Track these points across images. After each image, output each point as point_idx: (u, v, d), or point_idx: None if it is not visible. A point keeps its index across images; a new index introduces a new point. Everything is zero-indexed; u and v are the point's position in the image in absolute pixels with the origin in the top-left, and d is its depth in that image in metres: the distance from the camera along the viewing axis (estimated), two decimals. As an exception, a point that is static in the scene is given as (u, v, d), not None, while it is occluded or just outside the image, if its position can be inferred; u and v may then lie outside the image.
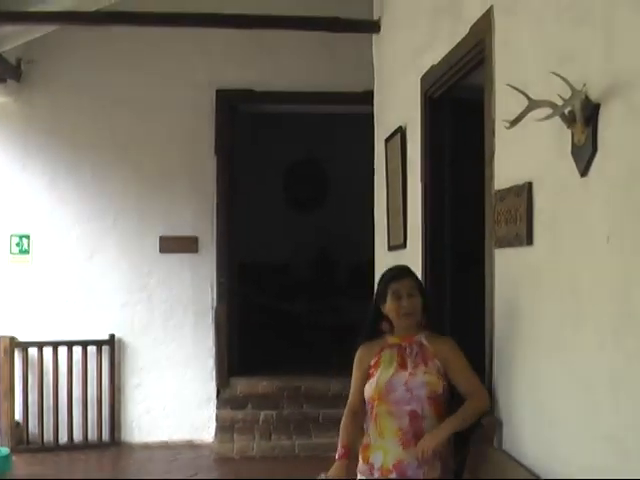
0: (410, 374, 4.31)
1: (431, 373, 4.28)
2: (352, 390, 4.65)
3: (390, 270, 4.68)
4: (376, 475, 4.37)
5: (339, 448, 4.55)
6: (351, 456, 4.50)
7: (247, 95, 9.65)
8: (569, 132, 3.23)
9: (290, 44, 9.42)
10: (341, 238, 13.24)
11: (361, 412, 4.54)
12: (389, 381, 4.36)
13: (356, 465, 4.48)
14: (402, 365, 4.36)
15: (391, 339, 4.49)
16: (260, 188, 13.83)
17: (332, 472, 4.46)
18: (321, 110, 10.60)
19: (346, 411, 4.65)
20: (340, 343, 11.39)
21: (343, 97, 9.54)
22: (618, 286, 2.91)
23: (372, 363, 4.51)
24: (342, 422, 4.64)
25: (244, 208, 11.37)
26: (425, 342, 4.37)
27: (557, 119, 3.23)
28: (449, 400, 4.31)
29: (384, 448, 4.34)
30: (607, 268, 2.99)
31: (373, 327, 4.57)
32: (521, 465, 3.72)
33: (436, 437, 4.17)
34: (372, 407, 4.43)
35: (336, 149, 13.60)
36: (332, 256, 14.24)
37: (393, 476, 4.29)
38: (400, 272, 4.55)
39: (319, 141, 13.82)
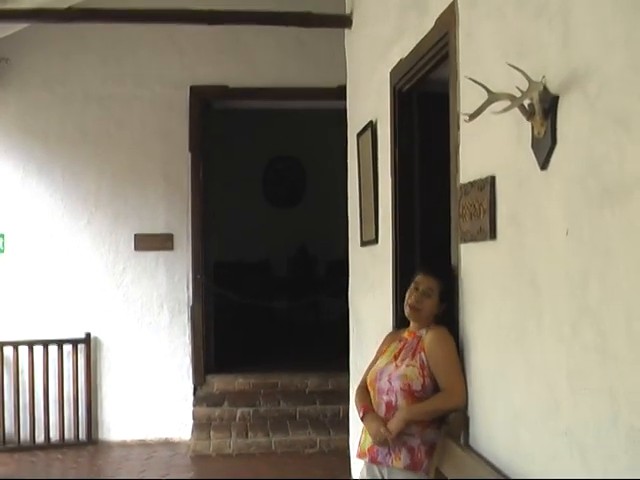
0: (396, 366, 4.36)
1: (413, 366, 4.27)
2: (365, 370, 4.75)
3: (430, 263, 4.76)
4: (356, 455, 4.63)
5: (358, 410, 4.59)
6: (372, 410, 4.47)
7: (221, 91, 9.64)
8: (529, 125, 3.21)
9: (264, 40, 9.42)
10: (320, 234, 13.22)
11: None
12: (380, 370, 4.45)
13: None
14: (396, 357, 4.43)
15: (405, 332, 4.54)
16: (238, 185, 13.82)
17: (368, 426, 4.41)
18: (297, 106, 10.58)
19: (357, 387, 4.77)
20: (318, 339, 11.50)
21: (318, 93, 9.53)
22: (576, 279, 2.89)
23: (383, 349, 4.65)
24: (355, 396, 4.76)
25: (222, 205, 11.37)
26: (423, 336, 4.36)
27: (518, 112, 3.20)
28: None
29: (366, 432, 4.45)
30: (566, 261, 2.96)
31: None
32: (485, 462, 3.69)
33: (393, 422, 4.22)
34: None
35: (314, 145, 13.58)
36: (311, 253, 14.24)
37: (366, 459, 4.44)
38: (432, 270, 4.49)
39: (297, 137, 13.82)
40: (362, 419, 4.51)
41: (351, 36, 7.50)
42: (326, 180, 12.99)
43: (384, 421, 4.29)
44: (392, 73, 5.68)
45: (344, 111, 7.74)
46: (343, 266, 7.85)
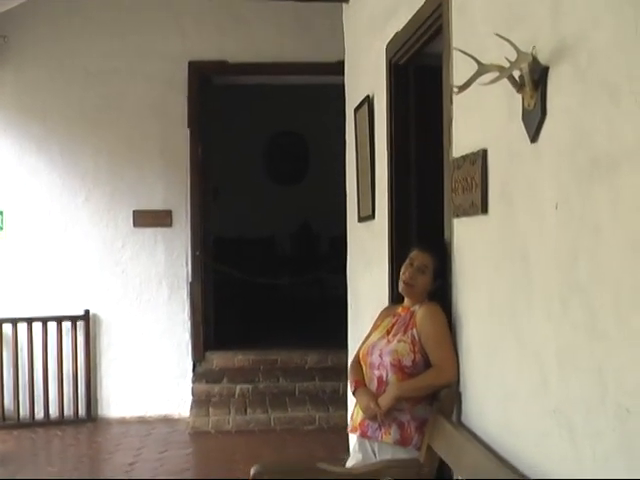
0: (388, 341, 4.34)
1: (405, 342, 4.24)
2: (359, 345, 4.74)
3: (425, 241, 4.73)
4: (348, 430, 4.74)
5: (350, 385, 4.62)
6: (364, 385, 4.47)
7: (220, 67, 9.56)
8: (520, 97, 3.15)
9: (263, 15, 9.36)
10: (323, 211, 13.15)
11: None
12: (372, 345, 4.44)
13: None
14: (388, 332, 4.41)
15: (399, 308, 4.52)
16: (240, 161, 13.77)
17: (359, 400, 4.41)
18: (297, 81, 10.50)
19: (350, 362, 4.81)
20: (320, 315, 11.46)
21: (317, 68, 9.46)
22: (566, 255, 2.83)
23: (377, 324, 4.64)
24: (348, 371, 4.78)
25: (224, 181, 11.32)
26: (416, 311, 4.33)
27: (509, 84, 3.14)
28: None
29: (360, 405, 4.42)
30: (555, 236, 2.91)
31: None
32: (476, 439, 3.66)
33: (384, 398, 4.21)
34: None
35: (316, 121, 13.50)
36: (314, 229, 14.20)
37: (357, 434, 4.44)
38: (428, 247, 4.45)
39: (298, 113, 13.75)
40: (353, 394, 4.51)
41: (349, 10, 7.44)
42: (329, 156, 12.90)
43: (375, 396, 4.28)
44: (388, 47, 5.62)
45: (344, 86, 7.68)
46: (346, 242, 7.82)
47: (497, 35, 3.09)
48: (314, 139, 14.29)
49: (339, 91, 7.90)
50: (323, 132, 13.12)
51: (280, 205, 13.94)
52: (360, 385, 4.46)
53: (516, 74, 3.08)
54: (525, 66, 3.00)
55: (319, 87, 10.65)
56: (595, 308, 2.63)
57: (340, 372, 8.25)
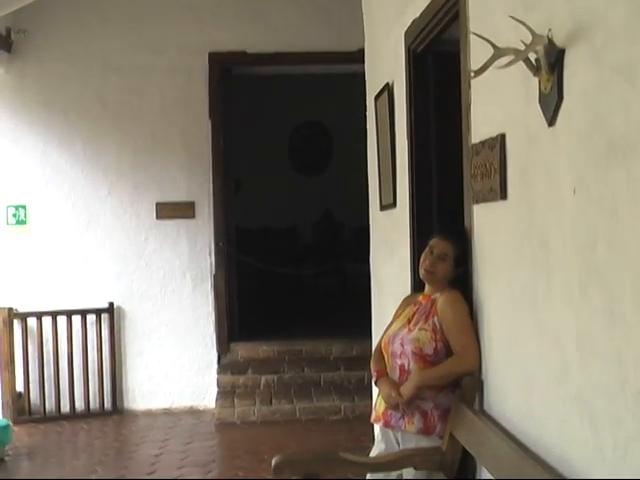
0: (409, 330, 4.33)
1: (426, 330, 4.23)
2: (382, 334, 4.71)
3: (446, 227, 4.74)
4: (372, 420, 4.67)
5: (373, 374, 4.59)
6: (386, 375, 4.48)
7: (240, 57, 9.57)
8: (537, 80, 3.12)
9: (282, 4, 9.39)
10: (346, 200, 13.12)
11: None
12: (393, 334, 4.43)
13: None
14: (409, 321, 4.39)
15: (420, 296, 4.51)
16: (264, 151, 13.76)
17: (381, 390, 4.41)
18: (316, 70, 10.48)
19: (374, 350, 4.78)
20: (344, 305, 11.45)
21: (337, 57, 9.45)
22: (585, 239, 2.79)
23: (398, 313, 4.63)
24: (371, 360, 4.72)
25: (247, 172, 11.31)
26: (437, 299, 4.31)
27: (526, 68, 3.10)
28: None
29: (382, 395, 4.40)
30: (574, 220, 2.87)
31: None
32: (498, 427, 3.63)
33: (406, 387, 4.19)
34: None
35: (339, 110, 13.47)
36: (337, 219, 14.18)
37: (381, 424, 4.44)
38: (448, 235, 4.42)
39: (321, 102, 13.73)
40: (375, 383, 4.51)
41: (368, -2, 7.40)
42: (351, 145, 12.88)
43: (397, 385, 4.26)
44: (406, 34, 5.59)
45: (365, 74, 7.65)
46: (369, 232, 7.80)
47: (512, 18, 3.05)
48: (336, 128, 14.26)
49: (360, 79, 7.88)
50: (345, 121, 13.08)
51: (303, 195, 13.94)
52: (382, 375, 4.45)
53: (532, 57, 3.05)
54: (541, 49, 2.96)
55: (340, 76, 10.64)
56: (614, 293, 2.59)
57: (365, 362, 8.14)
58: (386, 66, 6.51)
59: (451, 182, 5.17)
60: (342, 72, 10.29)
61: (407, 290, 5.46)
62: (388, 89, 6.24)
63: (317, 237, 14.36)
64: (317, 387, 9.11)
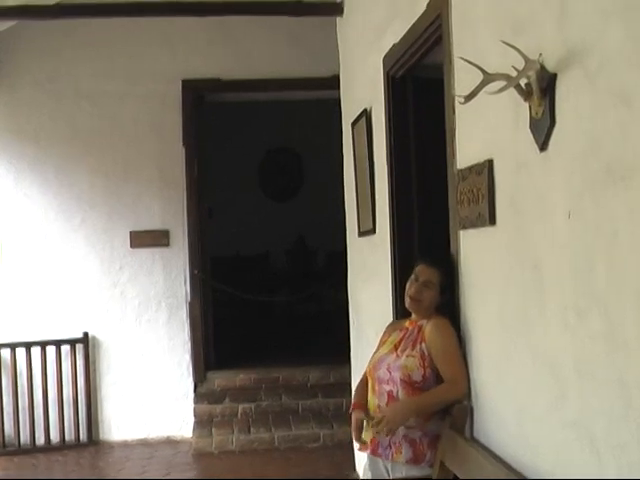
0: (396, 356, 4.29)
1: (414, 357, 4.19)
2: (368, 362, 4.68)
3: (431, 253, 4.64)
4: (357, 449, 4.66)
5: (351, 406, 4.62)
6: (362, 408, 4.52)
7: (214, 84, 9.51)
8: (527, 105, 3.11)
9: (256, 31, 9.31)
10: (318, 226, 13.11)
11: None
12: (379, 359, 4.39)
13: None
14: (396, 347, 4.35)
15: (406, 322, 4.46)
16: (236, 178, 13.74)
17: (353, 423, 4.46)
18: (291, 97, 10.46)
19: (360, 378, 4.72)
20: (319, 331, 11.40)
21: (312, 83, 9.41)
22: (581, 263, 2.78)
23: (384, 340, 4.58)
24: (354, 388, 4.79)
25: (219, 199, 11.27)
26: (424, 325, 4.27)
27: (515, 92, 3.10)
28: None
29: (367, 423, 4.37)
30: (569, 245, 2.86)
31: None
32: (491, 455, 3.60)
33: (396, 413, 4.11)
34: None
35: (310, 136, 13.47)
36: (310, 244, 14.15)
37: (368, 452, 4.39)
38: (434, 261, 4.37)
39: (293, 129, 13.73)
40: (350, 414, 4.52)
41: (343, 24, 7.41)
42: (323, 171, 12.87)
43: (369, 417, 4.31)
44: (385, 59, 5.59)
45: (339, 100, 7.65)
46: (342, 257, 7.79)
47: (504, 43, 3.04)
48: (308, 154, 14.25)
49: (333, 105, 7.89)
50: (317, 147, 13.09)
51: (275, 221, 13.89)
52: (357, 407, 4.48)
53: (522, 82, 3.04)
54: (533, 74, 2.95)
55: (313, 102, 10.63)
56: (614, 317, 2.58)
57: (343, 388, 8.20)
58: (363, 92, 6.50)
59: (432, 208, 5.18)
60: (314, 98, 10.28)
61: (388, 316, 5.45)
62: (366, 115, 6.24)
63: (290, 263, 14.31)
64: (295, 415, 9.04)
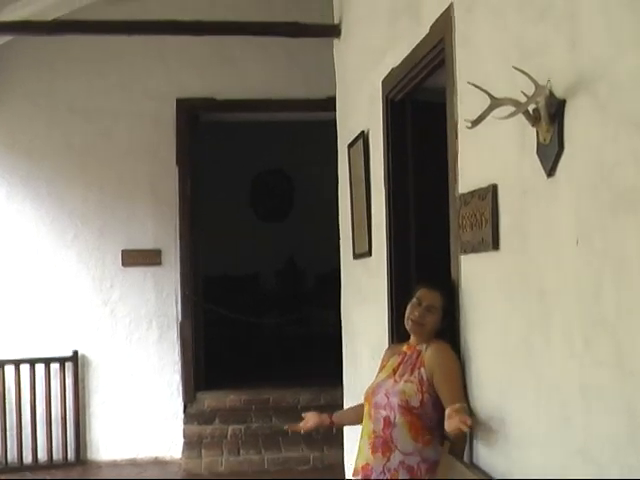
0: (395, 381, 4.25)
1: (412, 382, 4.15)
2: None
3: (433, 277, 4.54)
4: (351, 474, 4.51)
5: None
6: (334, 420, 5.06)
7: (208, 104, 9.53)
8: (534, 131, 3.10)
9: (251, 51, 9.33)
10: (308, 247, 13.11)
11: None
12: (377, 385, 4.36)
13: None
14: (395, 372, 4.32)
15: (404, 346, 4.41)
16: (227, 198, 13.71)
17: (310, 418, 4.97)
18: (285, 118, 10.47)
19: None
20: (309, 353, 11.37)
21: (306, 104, 9.44)
22: (588, 290, 2.77)
23: (383, 365, 4.55)
24: None
25: (210, 219, 11.23)
26: (423, 351, 4.23)
27: (521, 118, 3.09)
28: (431, 415, 4.10)
29: (360, 448, 4.37)
30: (577, 272, 2.85)
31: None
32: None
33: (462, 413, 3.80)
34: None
35: (303, 157, 13.47)
36: (299, 266, 14.13)
37: (359, 477, 4.31)
38: (436, 284, 4.33)
39: (286, 150, 13.73)
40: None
41: (340, 46, 7.40)
42: (314, 192, 12.89)
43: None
44: (384, 82, 5.58)
45: (333, 122, 7.64)
46: (332, 279, 7.77)
47: (515, 68, 3.03)
48: (299, 175, 14.25)
49: (326, 127, 7.89)
50: (308, 168, 13.12)
51: (265, 242, 13.86)
52: (330, 417, 5.01)
53: (530, 107, 3.03)
54: (541, 99, 2.94)
55: (306, 123, 10.65)
56: (622, 344, 2.57)
57: (333, 411, 8.10)
58: (360, 114, 6.50)
59: (430, 232, 5.17)
60: (308, 119, 10.30)
61: (384, 339, 5.42)
62: (363, 137, 6.22)
63: (280, 284, 14.28)
64: (285, 437, 8.98)
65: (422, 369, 4.14)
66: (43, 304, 9.34)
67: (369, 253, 6.13)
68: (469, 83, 3.46)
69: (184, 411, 9.39)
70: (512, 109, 3.05)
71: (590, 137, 2.76)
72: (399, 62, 5.17)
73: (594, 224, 2.73)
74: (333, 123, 7.61)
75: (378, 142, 5.77)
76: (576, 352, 2.86)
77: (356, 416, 4.67)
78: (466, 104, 3.94)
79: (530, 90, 2.97)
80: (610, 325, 2.63)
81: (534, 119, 3.04)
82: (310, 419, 4.99)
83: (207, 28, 7.34)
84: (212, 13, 6.95)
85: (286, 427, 5.42)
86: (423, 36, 4.65)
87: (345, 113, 7.24)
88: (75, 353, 9.27)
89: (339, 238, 7.45)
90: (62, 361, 9.22)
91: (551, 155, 3.00)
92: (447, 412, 3.82)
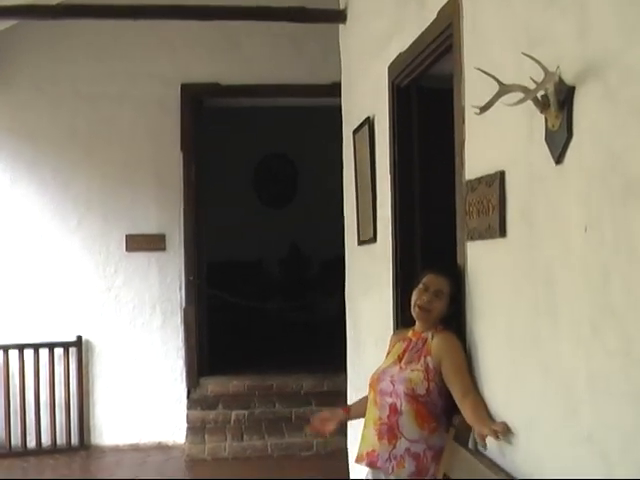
0: (400, 368, 4.24)
1: (418, 370, 4.14)
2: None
3: (439, 263, 4.52)
4: (354, 460, 4.56)
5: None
6: (350, 414, 4.92)
7: (213, 89, 9.51)
8: (542, 117, 3.08)
9: (256, 36, 9.30)
10: (313, 233, 13.09)
11: None
12: (383, 371, 4.35)
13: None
14: (400, 359, 4.30)
15: (409, 332, 4.39)
16: (231, 183, 13.69)
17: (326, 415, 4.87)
18: (290, 103, 10.45)
19: None
20: (313, 339, 11.38)
21: (311, 90, 9.43)
22: (597, 278, 2.76)
23: (388, 351, 4.55)
24: None
25: (214, 204, 11.23)
26: (429, 339, 4.22)
27: (529, 104, 3.07)
28: (437, 402, 4.11)
29: (364, 435, 4.36)
30: (585, 259, 2.84)
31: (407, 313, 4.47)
32: (497, 467, 3.56)
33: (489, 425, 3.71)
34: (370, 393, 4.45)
35: (307, 143, 13.46)
36: (304, 252, 14.12)
37: (364, 464, 4.33)
38: (443, 269, 4.31)
39: (290, 135, 13.70)
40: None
41: (346, 31, 7.37)
42: (318, 178, 12.87)
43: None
44: (390, 68, 5.55)
45: (337, 108, 7.61)
46: (336, 265, 7.76)
47: (524, 54, 3.01)
48: (303, 161, 14.23)
49: (331, 113, 7.86)
50: (313, 154, 13.09)
51: (269, 228, 13.84)
52: (346, 411, 4.91)
53: (539, 94, 3.01)
54: (550, 86, 2.93)
55: (311, 109, 10.62)
56: (630, 332, 2.56)
57: (337, 397, 8.15)
58: (366, 100, 6.47)
59: (436, 218, 5.16)
60: (313, 105, 10.28)
61: (389, 326, 5.41)
62: (369, 123, 6.20)
63: (284, 270, 14.27)
64: (288, 423, 9.01)
65: (428, 357, 4.13)
66: (47, 289, 9.35)
67: (374, 239, 6.11)
68: (477, 69, 3.44)
69: (187, 396, 9.40)
70: (521, 95, 3.03)
71: (599, 124, 2.75)
72: (406, 48, 5.15)
73: (603, 212, 2.71)
74: (338, 109, 7.58)
75: (384, 128, 5.74)
76: (583, 341, 2.85)
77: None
78: (474, 90, 3.93)
79: (539, 77, 2.95)
80: (618, 314, 2.62)
81: (543, 105, 3.02)
82: (328, 421, 4.84)
83: (213, 13, 7.31)
84: (217, -2, 6.92)
85: (308, 429, 5.18)
86: (430, 21, 4.62)
87: (350, 99, 7.22)
88: (79, 338, 9.28)
89: (343, 224, 7.43)
90: (66, 346, 9.23)
91: (560, 142, 2.98)
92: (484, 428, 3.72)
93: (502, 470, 3.53)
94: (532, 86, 2.99)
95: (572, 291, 2.94)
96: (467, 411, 3.89)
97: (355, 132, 6.70)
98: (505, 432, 3.53)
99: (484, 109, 3.25)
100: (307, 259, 14.14)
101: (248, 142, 13.74)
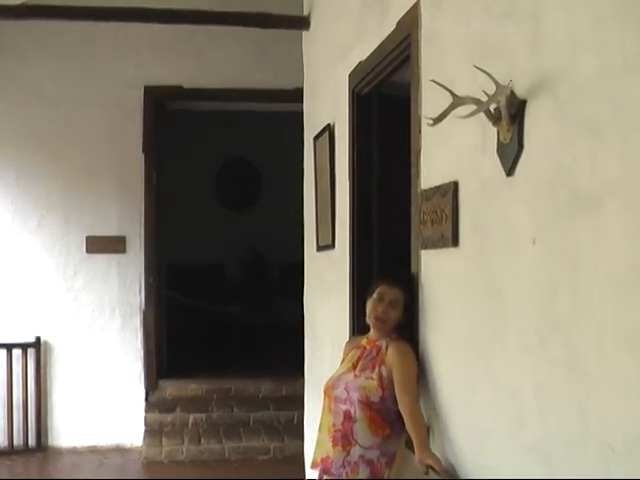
0: (355, 376, 4.25)
1: (372, 379, 4.16)
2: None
3: (392, 273, 4.59)
4: (309, 466, 4.54)
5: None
6: None
7: (176, 92, 9.49)
8: (495, 130, 3.13)
9: (221, 41, 9.29)
10: (273, 238, 13.09)
11: None
12: (337, 378, 4.37)
13: None
14: (354, 366, 4.32)
15: (364, 340, 4.41)
16: (193, 187, 13.68)
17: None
18: (252, 108, 10.47)
19: None
20: (273, 344, 11.39)
21: (273, 95, 9.44)
22: (544, 289, 2.81)
23: (342, 358, 4.56)
24: None
25: (175, 207, 11.23)
26: (383, 348, 4.24)
27: (482, 116, 3.11)
28: (391, 409, 4.11)
29: (319, 440, 4.40)
30: (533, 271, 2.89)
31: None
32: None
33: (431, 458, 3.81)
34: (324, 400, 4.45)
35: (270, 147, 13.48)
36: (264, 256, 14.12)
37: (318, 470, 4.34)
38: (396, 280, 4.34)
39: (252, 140, 13.71)
40: None
41: (309, 38, 7.41)
42: (281, 183, 12.88)
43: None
44: (351, 76, 5.59)
45: (300, 114, 7.65)
46: (297, 270, 7.76)
47: (476, 67, 3.06)
48: (266, 166, 14.24)
49: (294, 118, 7.88)
50: (275, 159, 13.12)
51: (230, 232, 13.83)
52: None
53: (492, 107, 3.06)
54: (502, 99, 2.97)
55: (273, 114, 10.65)
56: (576, 344, 2.60)
57: (295, 401, 8.19)
58: (327, 107, 6.50)
59: (394, 225, 5.18)
60: (274, 110, 10.31)
61: (346, 331, 5.44)
62: (329, 130, 6.23)
63: (245, 274, 14.26)
64: (246, 427, 9.02)
65: (382, 367, 4.15)
66: (6, 290, 9.29)
67: (332, 245, 6.15)
68: (432, 81, 3.49)
69: (146, 399, 9.37)
70: (473, 108, 3.08)
71: (549, 138, 2.80)
72: (366, 56, 5.19)
73: (551, 225, 2.76)
74: (301, 114, 7.62)
75: (344, 135, 5.77)
76: (531, 351, 2.89)
77: None
78: (430, 101, 3.97)
79: (492, 90, 2.99)
80: (564, 325, 2.67)
81: (495, 118, 3.07)
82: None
83: (177, 17, 7.32)
84: (182, 2, 6.91)
85: None
86: (390, 31, 4.67)
87: (312, 105, 7.25)
88: (38, 339, 9.23)
89: (304, 229, 7.46)
90: (24, 347, 9.18)
91: (511, 154, 3.03)
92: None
93: (453, 476, 3.58)
94: (485, 99, 3.04)
95: (521, 302, 2.99)
96: (410, 431, 3.95)
97: (316, 138, 6.73)
98: (439, 469, 3.63)
99: (437, 120, 3.29)
100: (268, 263, 14.14)
101: (211, 146, 13.73)
